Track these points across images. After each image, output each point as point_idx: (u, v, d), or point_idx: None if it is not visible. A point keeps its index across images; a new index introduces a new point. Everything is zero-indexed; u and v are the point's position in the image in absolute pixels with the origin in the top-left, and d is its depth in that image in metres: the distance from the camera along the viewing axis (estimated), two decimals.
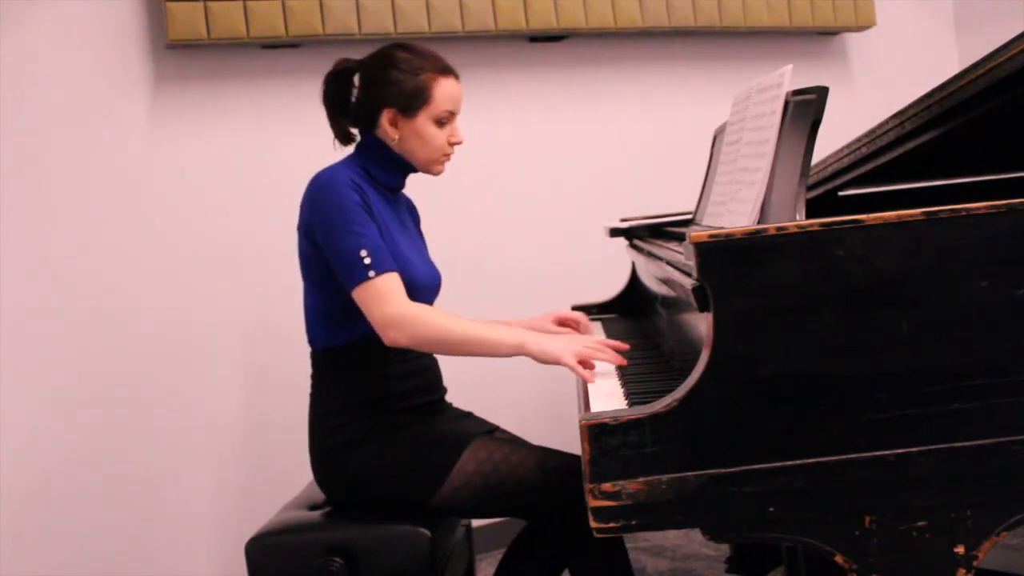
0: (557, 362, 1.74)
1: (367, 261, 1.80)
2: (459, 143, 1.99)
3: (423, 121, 1.92)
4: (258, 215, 2.81)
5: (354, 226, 1.82)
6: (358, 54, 2.01)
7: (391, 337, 1.80)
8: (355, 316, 1.86)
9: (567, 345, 1.77)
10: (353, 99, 2.00)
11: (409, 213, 2.13)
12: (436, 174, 2.01)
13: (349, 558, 1.81)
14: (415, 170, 2.00)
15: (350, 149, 2.03)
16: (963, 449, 1.27)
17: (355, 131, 2.03)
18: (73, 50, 2.64)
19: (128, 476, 2.69)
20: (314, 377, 1.99)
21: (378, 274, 1.80)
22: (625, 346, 1.82)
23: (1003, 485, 1.28)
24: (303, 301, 1.98)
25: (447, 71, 1.95)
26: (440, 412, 2.03)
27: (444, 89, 1.93)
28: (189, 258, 2.77)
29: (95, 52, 2.67)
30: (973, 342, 1.28)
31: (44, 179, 2.62)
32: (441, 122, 1.94)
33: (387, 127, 1.94)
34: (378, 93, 1.93)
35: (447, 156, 1.98)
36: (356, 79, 1.99)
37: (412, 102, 1.91)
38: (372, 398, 1.91)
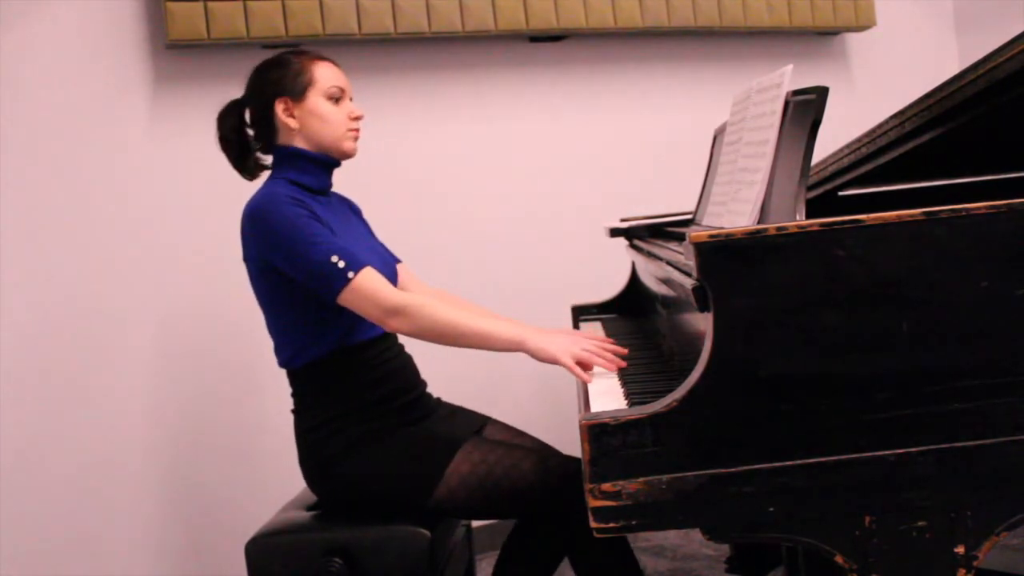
0: (555, 362, 1.74)
1: (341, 265, 1.81)
2: (359, 117, 2.00)
3: (315, 100, 1.95)
4: None
5: (314, 237, 1.82)
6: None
7: (393, 325, 1.82)
8: (321, 329, 1.89)
9: (566, 345, 1.76)
10: (248, 125, 2.02)
11: (349, 208, 2.14)
12: (350, 153, 2.00)
13: (349, 558, 1.81)
14: (337, 163, 2.01)
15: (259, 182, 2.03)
16: (963, 449, 1.27)
17: (263, 157, 2.04)
18: (73, 50, 2.65)
19: (125, 474, 2.69)
20: (294, 395, 1.99)
21: (356, 272, 1.81)
22: (624, 350, 1.82)
23: (1003, 485, 1.28)
24: (266, 326, 1.98)
25: (321, 58, 2.00)
26: (429, 411, 2.03)
27: (323, 71, 1.97)
28: (189, 258, 2.77)
29: (95, 52, 2.67)
30: (973, 342, 1.28)
31: (44, 179, 2.62)
32: (334, 99, 1.96)
33: (284, 119, 1.95)
34: (266, 93, 1.96)
35: (353, 132, 1.99)
36: (247, 112, 2.02)
37: (296, 86, 1.95)
38: (355, 406, 1.91)
